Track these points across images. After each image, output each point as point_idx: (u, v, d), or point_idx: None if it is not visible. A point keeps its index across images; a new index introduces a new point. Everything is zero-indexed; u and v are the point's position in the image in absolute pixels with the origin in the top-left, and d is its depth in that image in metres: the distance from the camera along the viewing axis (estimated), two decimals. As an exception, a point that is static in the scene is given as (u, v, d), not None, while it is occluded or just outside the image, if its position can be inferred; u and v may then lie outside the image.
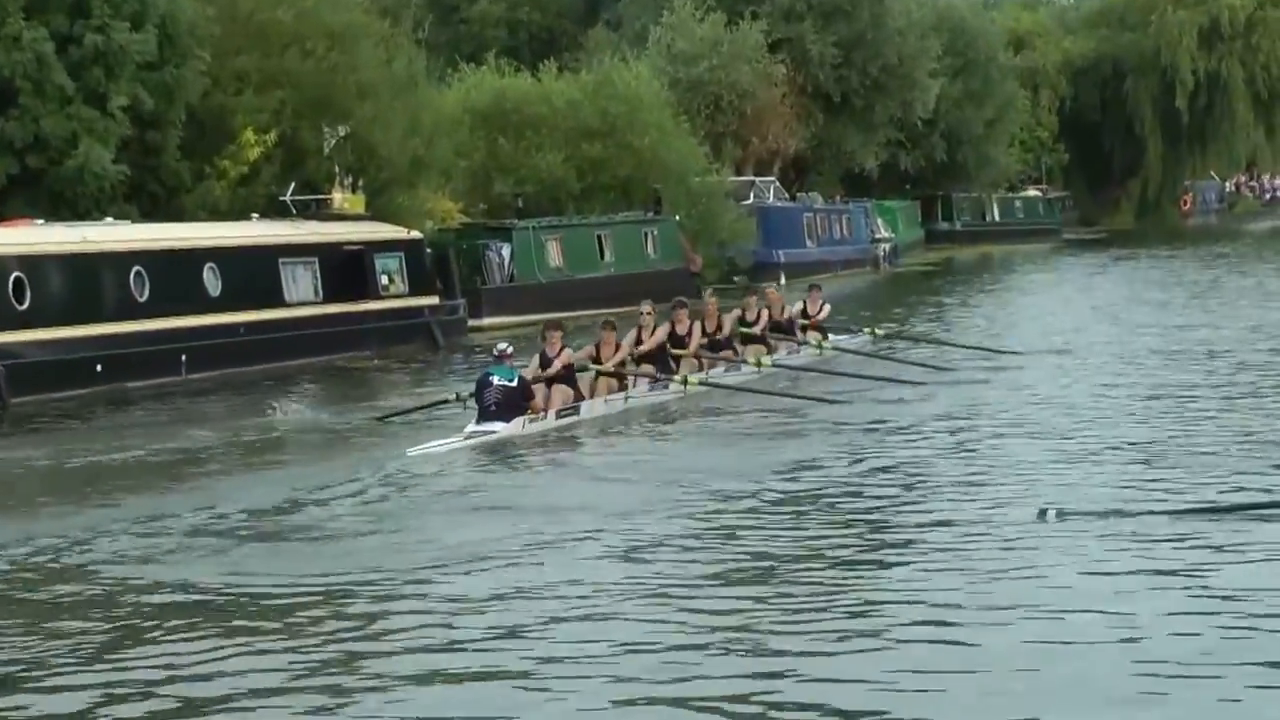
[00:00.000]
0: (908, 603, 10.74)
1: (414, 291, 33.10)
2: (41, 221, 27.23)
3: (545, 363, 20.43)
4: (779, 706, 8.81)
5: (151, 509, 15.22)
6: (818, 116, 59.15)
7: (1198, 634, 9.82)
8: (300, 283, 30.64)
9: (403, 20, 40.05)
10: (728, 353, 24.14)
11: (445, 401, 21.11)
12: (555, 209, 42.61)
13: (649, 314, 22.76)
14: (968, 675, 9.19)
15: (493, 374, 19.34)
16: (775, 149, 57.31)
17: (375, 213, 34.43)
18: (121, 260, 27.08)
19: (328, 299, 31.03)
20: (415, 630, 10.63)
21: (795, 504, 14.54)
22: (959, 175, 69.09)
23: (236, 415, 22.96)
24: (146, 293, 27.26)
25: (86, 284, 26.56)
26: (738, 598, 11.13)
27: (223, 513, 14.87)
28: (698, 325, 23.62)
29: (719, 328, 24.35)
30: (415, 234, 33.93)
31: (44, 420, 23.29)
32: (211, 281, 28.62)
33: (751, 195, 52.48)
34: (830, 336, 26.88)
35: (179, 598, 11.75)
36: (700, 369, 23.04)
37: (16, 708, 9.27)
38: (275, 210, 32.57)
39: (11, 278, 25.19)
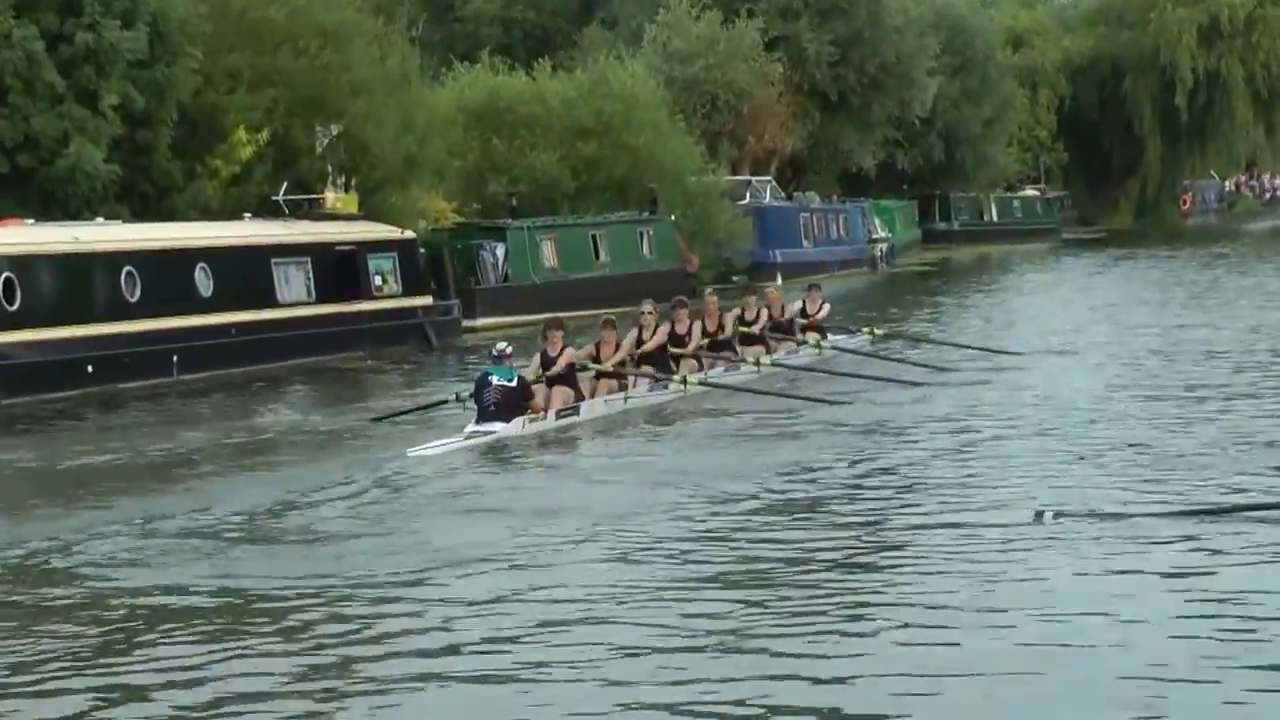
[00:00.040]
0: (903, 605, 10.72)
1: (407, 292, 33.01)
2: (32, 221, 27.14)
3: (547, 362, 20.37)
4: (776, 709, 8.79)
5: (143, 511, 15.16)
6: (814, 115, 59.03)
7: (1196, 636, 9.78)
8: (293, 283, 30.57)
9: (396, 18, 39.80)
10: (727, 353, 24.11)
11: (444, 402, 21.11)
12: (550, 209, 42.52)
13: (650, 313, 22.74)
14: (965, 678, 9.16)
15: (492, 374, 19.34)
16: (772, 148, 57.20)
17: (368, 212, 34.38)
18: (112, 260, 27.04)
19: (320, 299, 30.95)
20: (412, 633, 10.58)
21: (794, 506, 14.53)
22: (957, 175, 68.99)
23: (228, 417, 22.97)
24: (138, 293, 27.21)
25: (77, 284, 26.53)
26: (736, 600, 11.12)
27: (216, 515, 14.82)
28: (698, 325, 23.61)
29: (720, 327, 24.36)
30: (409, 234, 33.83)
31: (34, 422, 23.20)
32: (203, 282, 28.55)
33: (748, 195, 52.40)
34: (829, 336, 26.89)
35: (172, 600, 11.68)
36: (700, 369, 23.01)
37: (6, 712, 9.21)
38: (267, 210, 32.45)
39: (1, 278, 25.13)
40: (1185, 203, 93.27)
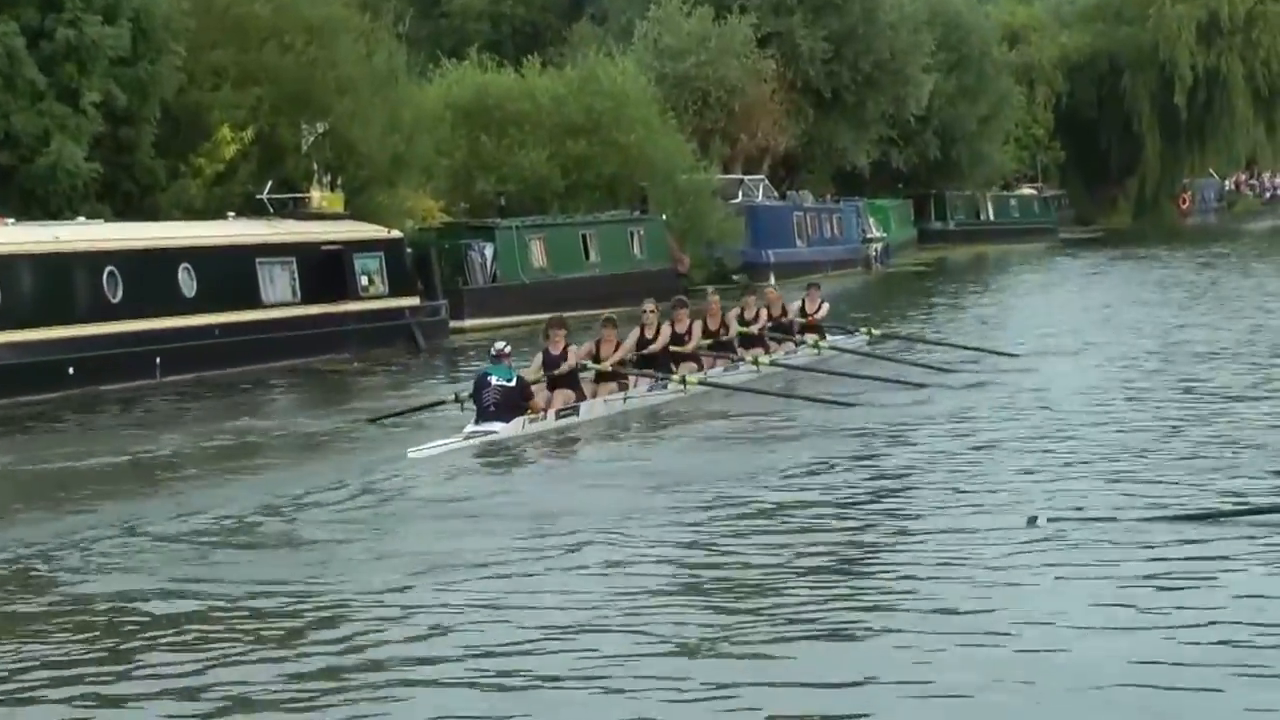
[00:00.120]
0: (900, 609, 10.77)
1: (394, 292, 32.90)
2: (12, 221, 26.96)
3: (550, 361, 20.39)
4: (773, 713, 8.79)
5: (126, 515, 15.05)
6: (808, 113, 58.85)
7: (1193, 641, 9.75)
8: (277, 283, 30.45)
9: (383, 14, 39.75)
10: (728, 353, 24.11)
11: (442, 402, 21.15)
12: (539, 208, 42.40)
13: (652, 312, 22.71)
14: (960, 681, 9.14)
15: (490, 374, 19.38)
16: (764, 146, 57.04)
17: (354, 212, 34.23)
18: (94, 260, 26.93)
19: (306, 300, 30.82)
20: (407, 638, 10.49)
21: (793, 507, 14.53)
22: (953, 173, 68.94)
23: (212, 419, 22.87)
24: (120, 293, 27.10)
25: (58, 285, 26.44)
26: (733, 601, 11.17)
27: (204, 518, 14.75)
28: (698, 324, 23.62)
29: (724, 326, 24.40)
30: (395, 233, 33.72)
31: (14, 424, 23.02)
32: (186, 282, 28.42)
33: (740, 194, 52.26)
34: (827, 336, 26.93)
35: (159, 606, 11.52)
36: (700, 369, 22.98)
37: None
38: (252, 209, 32.26)
39: (-20, 278, 25.05)
40: (1184, 202, 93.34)
